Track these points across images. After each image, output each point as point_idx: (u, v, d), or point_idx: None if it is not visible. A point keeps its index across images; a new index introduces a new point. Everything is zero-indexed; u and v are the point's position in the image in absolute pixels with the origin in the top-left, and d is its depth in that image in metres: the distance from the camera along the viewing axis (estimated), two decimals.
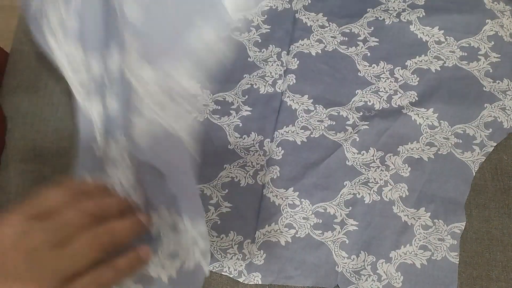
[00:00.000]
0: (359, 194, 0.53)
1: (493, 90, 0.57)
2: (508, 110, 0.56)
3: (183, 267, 0.41)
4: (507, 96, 0.56)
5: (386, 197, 0.53)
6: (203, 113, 0.57)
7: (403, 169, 0.54)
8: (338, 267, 0.51)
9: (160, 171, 0.41)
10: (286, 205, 0.53)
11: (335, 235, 0.52)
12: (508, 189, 0.53)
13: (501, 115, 0.55)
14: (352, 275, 0.50)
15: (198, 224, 0.41)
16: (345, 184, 0.54)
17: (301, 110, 0.57)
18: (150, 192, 0.42)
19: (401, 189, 0.53)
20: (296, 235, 0.52)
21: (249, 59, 0.59)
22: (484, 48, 0.59)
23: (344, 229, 0.52)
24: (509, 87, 0.57)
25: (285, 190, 0.53)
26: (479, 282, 0.50)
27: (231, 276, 0.50)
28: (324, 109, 0.57)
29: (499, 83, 0.57)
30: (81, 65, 0.48)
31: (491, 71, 0.58)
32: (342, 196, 0.53)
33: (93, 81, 0.48)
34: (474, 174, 0.53)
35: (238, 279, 0.50)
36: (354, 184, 0.54)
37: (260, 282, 0.50)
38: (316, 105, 0.57)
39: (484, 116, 0.56)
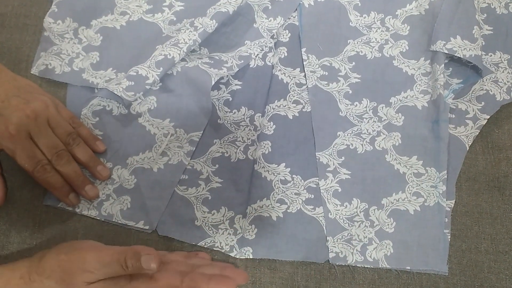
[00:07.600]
0: (352, 146, 0.53)
1: (486, 62, 0.56)
2: (501, 82, 0.55)
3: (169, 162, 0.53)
4: (500, 68, 0.56)
5: (379, 146, 0.53)
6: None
7: (396, 119, 0.54)
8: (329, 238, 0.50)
9: None
10: (278, 180, 0.52)
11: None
12: (498, 162, 0.54)
13: (493, 88, 0.55)
14: (345, 222, 0.51)
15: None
16: (338, 135, 0.54)
17: (293, 84, 0.56)
18: None
19: (394, 138, 0.54)
20: (288, 211, 0.51)
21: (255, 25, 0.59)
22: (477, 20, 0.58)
23: (337, 178, 0.52)
24: (501, 59, 0.56)
25: (277, 165, 0.53)
26: (468, 254, 0.50)
27: (222, 251, 0.50)
28: (317, 59, 0.57)
29: (491, 55, 0.57)
30: None
31: (483, 43, 0.57)
32: (335, 146, 0.53)
33: None
34: (467, 148, 0.53)
35: (230, 254, 0.50)
36: (347, 135, 0.54)
37: (251, 257, 0.50)
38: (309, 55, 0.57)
39: (476, 90, 0.55)
